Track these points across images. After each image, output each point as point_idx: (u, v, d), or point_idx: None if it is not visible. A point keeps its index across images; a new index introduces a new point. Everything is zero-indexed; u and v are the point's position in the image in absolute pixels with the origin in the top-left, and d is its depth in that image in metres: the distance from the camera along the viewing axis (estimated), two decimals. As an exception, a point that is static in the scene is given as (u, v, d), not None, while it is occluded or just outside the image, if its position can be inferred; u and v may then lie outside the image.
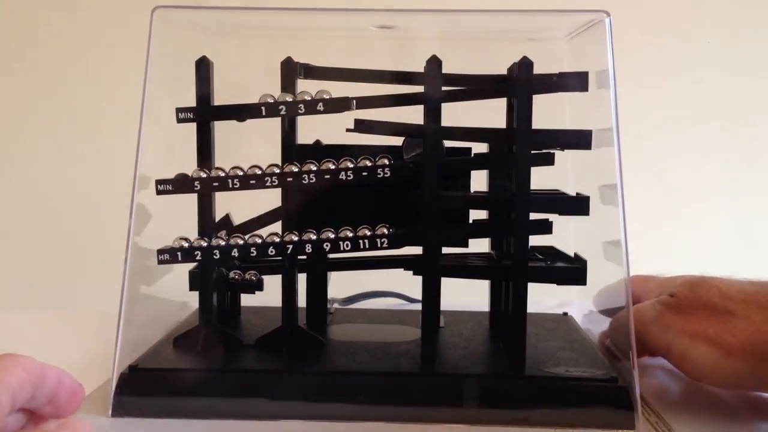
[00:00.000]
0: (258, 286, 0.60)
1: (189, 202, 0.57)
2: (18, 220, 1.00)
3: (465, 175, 0.59)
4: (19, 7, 0.99)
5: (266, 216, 0.60)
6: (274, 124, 0.57)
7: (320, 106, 0.54)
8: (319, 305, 0.63)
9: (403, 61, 0.59)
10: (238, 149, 0.60)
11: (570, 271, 0.55)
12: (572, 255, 0.60)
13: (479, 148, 0.61)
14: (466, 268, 0.58)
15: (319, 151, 0.59)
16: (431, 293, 0.54)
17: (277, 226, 0.58)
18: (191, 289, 0.60)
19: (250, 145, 0.61)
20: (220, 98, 0.57)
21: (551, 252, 0.61)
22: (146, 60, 0.53)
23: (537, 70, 0.54)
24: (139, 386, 0.52)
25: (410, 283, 0.77)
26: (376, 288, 0.77)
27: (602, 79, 0.57)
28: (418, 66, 0.58)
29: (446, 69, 0.54)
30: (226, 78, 0.57)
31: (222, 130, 0.58)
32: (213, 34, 0.62)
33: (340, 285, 0.68)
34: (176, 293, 0.66)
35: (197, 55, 0.55)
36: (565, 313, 0.70)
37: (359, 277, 0.70)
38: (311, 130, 0.58)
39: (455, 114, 0.56)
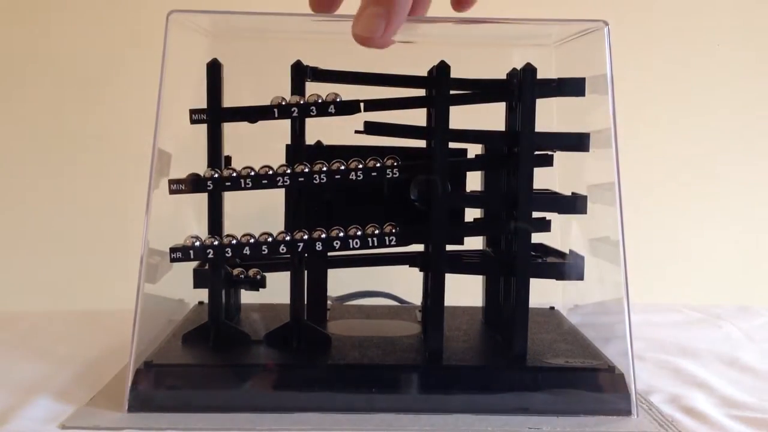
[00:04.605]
0: (261, 283, 0.62)
1: (181, 201, 0.58)
2: (24, 222, 0.99)
3: (462, 175, 0.62)
4: (31, 9, 0.98)
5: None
6: (262, 127, 0.58)
7: (332, 109, 0.56)
8: (320, 302, 0.65)
9: (404, 65, 0.61)
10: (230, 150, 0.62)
11: (570, 266, 0.58)
12: (559, 250, 0.63)
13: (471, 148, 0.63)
14: (472, 264, 0.61)
15: (322, 151, 0.61)
16: (438, 289, 0.56)
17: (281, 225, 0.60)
18: (196, 286, 0.61)
19: (239, 146, 0.63)
20: (229, 100, 0.58)
21: (542, 248, 0.64)
22: (162, 62, 0.54)
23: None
24: (154, 381, 0.53)
25: (397, 284, 0.80)
26: (366, 287, 0.79)
27: (591, 84, 0.60)
28: (418, 69, 0.61)
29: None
30: (235, 80, 0.58)
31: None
32: (225, 37, 0.63)
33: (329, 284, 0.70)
34: (169, 290, 0.67)
35: (209, 57, 0.57)
36: (552, 308, 0.73)
37: (347, 276, 0.73)
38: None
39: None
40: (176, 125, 0.57)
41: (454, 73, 0.56)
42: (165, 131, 0.55)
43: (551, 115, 0.64)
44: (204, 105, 0.57)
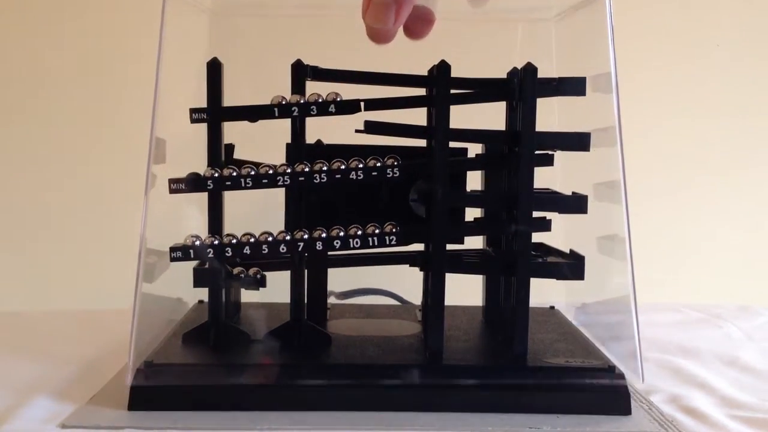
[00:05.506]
0: (262, 282, 0.62)
1: (181, 200, 0.58)
2: (24, 222, 0.99)
3: (462, 174, 0.62)
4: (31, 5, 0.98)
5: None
6: (262, 126, 0.58)
7: (332, 108, 0.56)
8: (320, 301, 0.65)
9: (404, 63, 0.61)
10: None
11: (571, 266, 0.58)
12: (559, 250, 0.63)
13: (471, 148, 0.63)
14: (472, 263, 0.61)
15: (322, 150, 0.61)
16: (438, 288, 0.56)
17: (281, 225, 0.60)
18: (196, 285, 0.61)
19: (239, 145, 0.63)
20: (229, 94, 0.58)
21: (543, 248, 0.64)
22: (159, 45, 0.53)
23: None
24: (155, 381, 0.53)
25: (397, 283, 0.80)
26: (366, 286, 0.79)
27: (593, 82, 0.60)
28: (418, 66, 0.61)
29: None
30: (235, 68, 0.58)
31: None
32: (224, 14, 0.62)
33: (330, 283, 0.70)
34: (169, 289, 0.67)
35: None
36: (552, 307, 0.73)
37: (348, 276, 0.72)
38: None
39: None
40: (176, 121, 0.57)
41: (455, 72, 0.56)
42: (164, 127, 0.55)
43: (552, 114, 0.64)
44: (203, 90, 0.57)
